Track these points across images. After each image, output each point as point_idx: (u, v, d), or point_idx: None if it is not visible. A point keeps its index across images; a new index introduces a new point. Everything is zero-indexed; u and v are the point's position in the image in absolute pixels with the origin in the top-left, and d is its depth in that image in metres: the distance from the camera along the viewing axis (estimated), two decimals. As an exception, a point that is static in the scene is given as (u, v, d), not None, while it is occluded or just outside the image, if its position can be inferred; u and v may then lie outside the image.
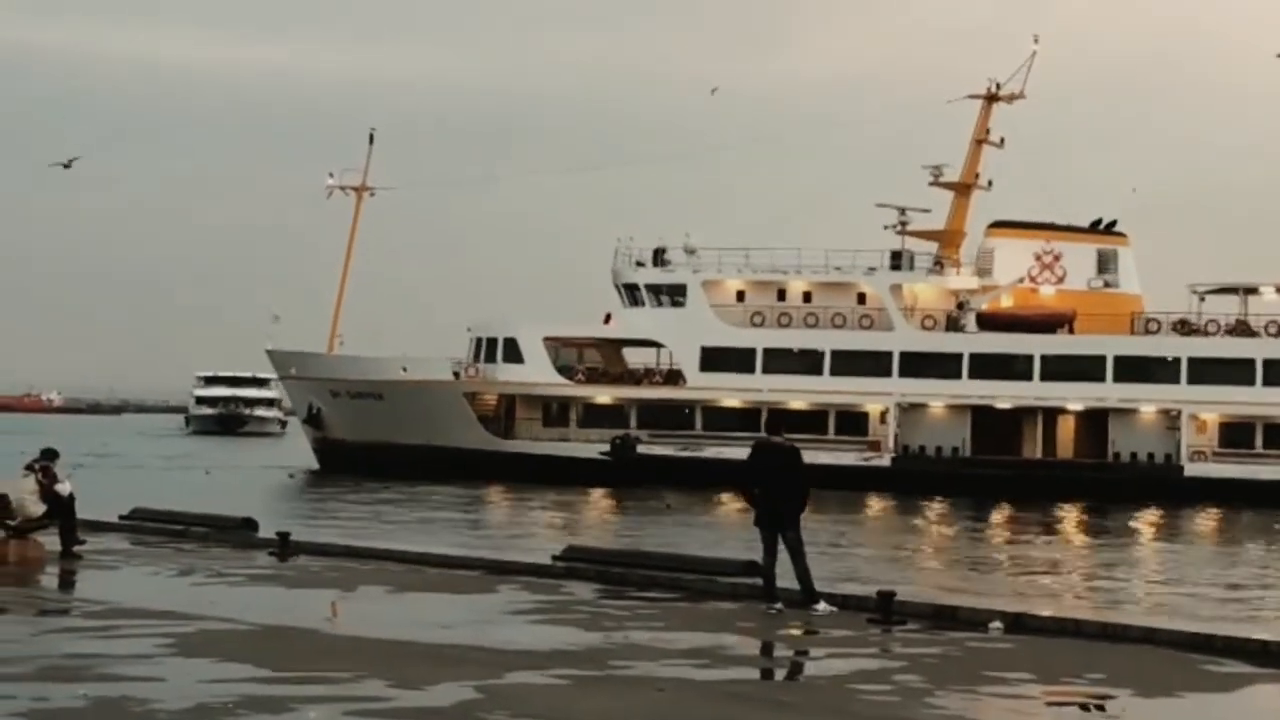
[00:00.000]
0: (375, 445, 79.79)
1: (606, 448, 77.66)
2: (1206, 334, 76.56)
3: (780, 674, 17.41)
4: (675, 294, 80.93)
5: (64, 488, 26.42)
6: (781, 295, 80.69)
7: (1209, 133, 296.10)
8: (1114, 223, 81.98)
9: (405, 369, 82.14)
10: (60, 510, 26.27)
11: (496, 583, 23.84)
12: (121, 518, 31.89)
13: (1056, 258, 79.98)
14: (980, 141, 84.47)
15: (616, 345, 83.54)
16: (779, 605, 20.89)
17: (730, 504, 63.79)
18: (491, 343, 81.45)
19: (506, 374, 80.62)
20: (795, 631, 19.51)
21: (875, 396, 76.82)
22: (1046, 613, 20.92)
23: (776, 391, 76.50)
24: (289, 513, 50.55)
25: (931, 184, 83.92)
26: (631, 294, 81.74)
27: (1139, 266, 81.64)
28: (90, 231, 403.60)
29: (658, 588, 23.18)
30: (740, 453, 75.59)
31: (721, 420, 78.33)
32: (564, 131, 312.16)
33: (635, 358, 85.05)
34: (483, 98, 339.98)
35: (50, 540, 26.29)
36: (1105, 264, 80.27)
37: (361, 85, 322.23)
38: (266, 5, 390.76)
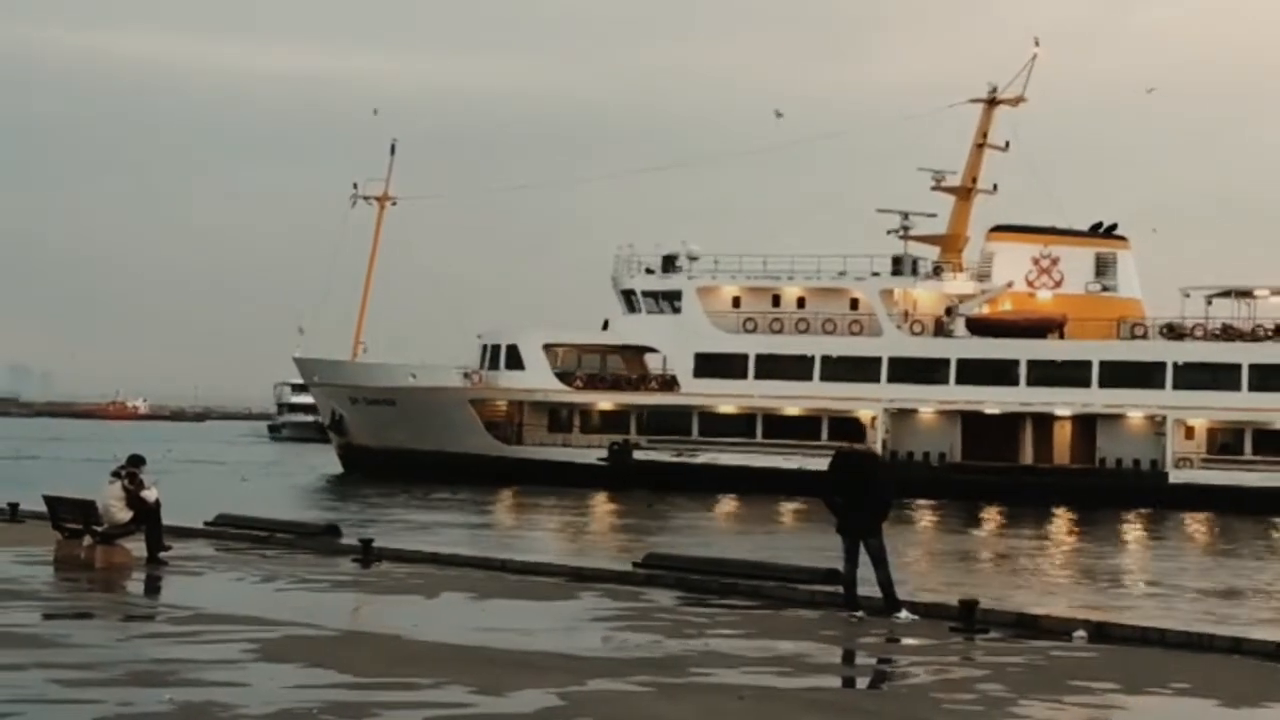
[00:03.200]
0: (391, 450, 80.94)
1: (605, 454, 78.15)
2: (1194, 339, 75.33)
3: (862, 682, 17.35)
4: (671, 300, 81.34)
5: (150, 494, 26.65)
6: (776, 301, 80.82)
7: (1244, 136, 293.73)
8: (1114, 226, 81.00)
9: (414, 376, 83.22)
10: (146, 516, 26.52)
11: (578, 589, 23.90)
12: (206, 524, 32.20)
13: (1054, 261, 79.26)
14: (981, 145, 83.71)
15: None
16: (860, 613, 20.83)
17: (726, 505, 64.12)
18: (496, 349, 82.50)
19: (509, 380, 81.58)
20: (877, 639, 19.44)
21: (865, 402, 76.53)
22: (1131, 621, 20.75)
23: (768, 397, 76.97)
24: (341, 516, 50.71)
25: (933, 189, 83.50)
26: (629, 300, 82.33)
27: (1144, 270, 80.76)
28: (180, 241, 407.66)
29: (738, 595, 23.17)
30: (733, 458, 76.37)
31: (716, 425, 78.78)
32: (624, 137, 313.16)
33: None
34: (548, 105, 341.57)
35: (136, 546, 26.56)
36: (1103, 268, 79.32)
37: (431, 94, 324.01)
38: (338, 21, 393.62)
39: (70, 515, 27.23)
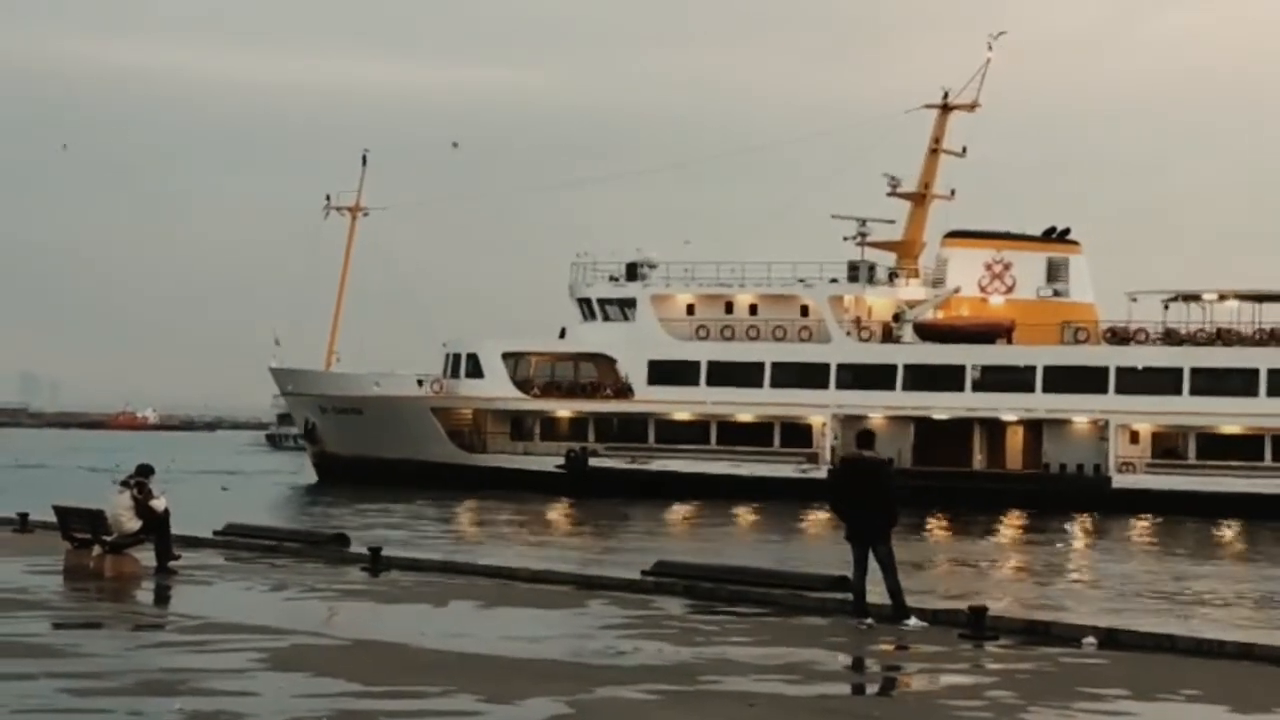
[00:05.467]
0: (360, 459, 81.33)
1: (562, 461, 78.37)
2: (1138, 343, 74.84)
3: (872, 689, 17.33)
4: (627, 308, 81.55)
5: (159, 503, 26.68)
6: (729, 308, 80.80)
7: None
8: (1067, 231, 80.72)
9: (378, 384, 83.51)
10: (155, 526, 26.54)
11: (586, 597, 23.90)
12: (215, 533, 32.23)
13: (1006, 267, 79.01)
14: (935, 151, 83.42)
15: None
16: (870, 620, 20.81)
17: (677, 510, 64.16)
18: (458, 358, 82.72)
19: (468, 389, 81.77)
20: (886, 647, 19.42)
21: (815, 408, 76.48)
22: (1141, 628, 20.71)
23: (721, 404, 77.22)
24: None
25: (889, 194, 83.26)
26: (586, 308, 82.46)
27: (1099, 275, 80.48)
28: (180, 252, 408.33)
29: (747, 602, 23.14)
30: (687, 465, 76.14)
31: (671, 433, 79.05)
32: (621, 141, 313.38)
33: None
34: (546, 109, 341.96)
35: (146, 556, 26.58)
36: (1055, 273, 79.00)
37: (428, 99, 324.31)
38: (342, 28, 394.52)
39: (79, 525, 27.28)
